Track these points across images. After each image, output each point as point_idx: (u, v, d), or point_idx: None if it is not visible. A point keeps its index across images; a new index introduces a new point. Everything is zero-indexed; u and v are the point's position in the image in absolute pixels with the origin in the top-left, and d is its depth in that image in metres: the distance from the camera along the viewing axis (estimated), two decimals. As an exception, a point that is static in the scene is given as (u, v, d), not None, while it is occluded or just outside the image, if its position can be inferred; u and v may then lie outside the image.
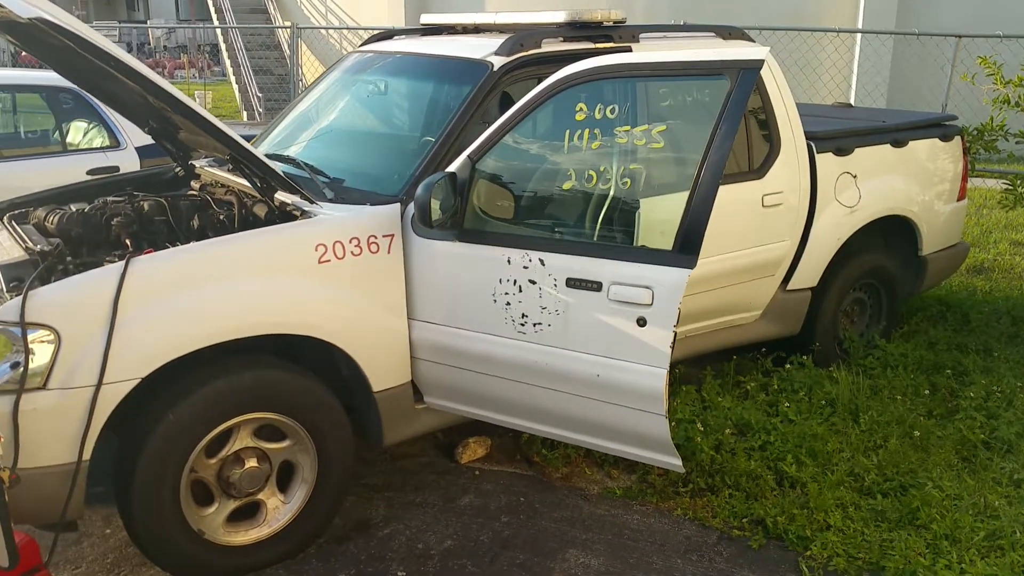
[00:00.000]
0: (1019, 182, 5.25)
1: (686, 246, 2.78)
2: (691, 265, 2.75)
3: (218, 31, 18.82)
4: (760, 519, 3.46)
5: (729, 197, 3.95)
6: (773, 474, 3.71)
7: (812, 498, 3.52)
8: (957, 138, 5.14)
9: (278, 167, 3.44)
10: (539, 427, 3.28)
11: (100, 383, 2.68)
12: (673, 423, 3.96)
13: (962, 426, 4.03)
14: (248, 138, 4.50)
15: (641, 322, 2.85)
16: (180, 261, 2.90)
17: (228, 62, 17.41)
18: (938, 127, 5.14)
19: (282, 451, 3.19)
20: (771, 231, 4.23)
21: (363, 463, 3.87)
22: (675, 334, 2.79)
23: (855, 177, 4.59)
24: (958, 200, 5.24)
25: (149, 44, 30.69)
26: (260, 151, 4.02)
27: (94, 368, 2.67)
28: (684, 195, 2.81)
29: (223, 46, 17.82)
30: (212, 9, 17.81)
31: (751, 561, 3.27)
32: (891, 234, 5.00)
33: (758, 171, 4.17)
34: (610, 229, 3.05)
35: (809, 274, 4.51)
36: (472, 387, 3.32)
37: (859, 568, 3.18)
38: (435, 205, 3.03)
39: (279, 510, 3.23)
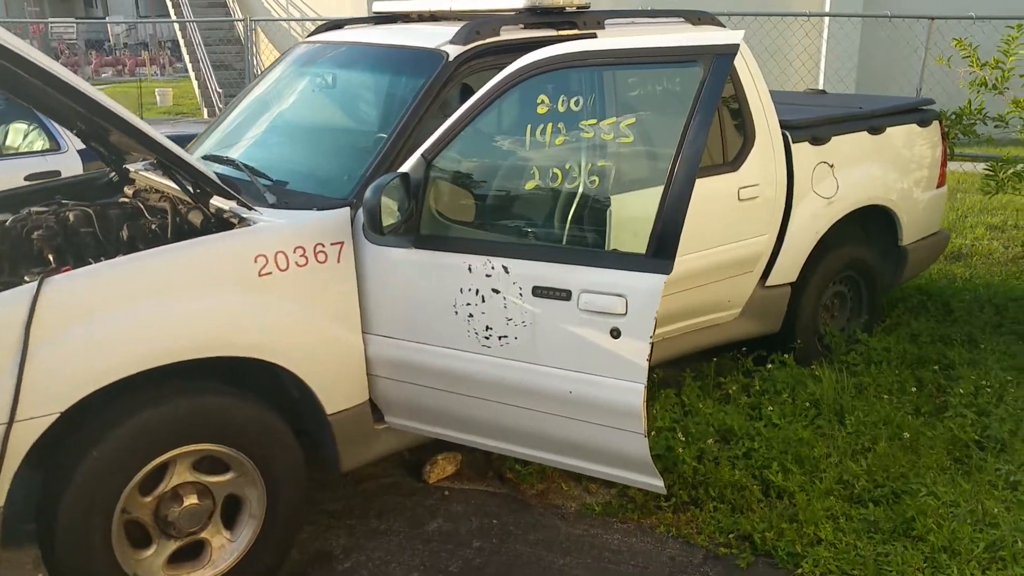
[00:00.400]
0: (1000, 167, 5.08)
1: (661, 249, 2.54)
2: (667, 270, 2.52)
3: (176, 26, 18.32)
4: (747, 534, 3.25)
5: (704, 191, 3.70)
6: (759, 484, 3.50)
7: (801, 509, 3.31)
8: (935, 123, 4.96)
9: (217, 170, 3.17)
10: (509, 447, 3.04)
11: (11, 420, 2.39)
12: (653, 432, 3.73)
13: (952, 425, 3.84)
14: (191, 137, 4.22)
15: (615, 333, 2.61)
16: (102, 279, 2.61)
17: (187, 58, 16.93)
18: (915, 112, 4.95)
19: (226, 484, 2.92)
20: (748, 225, 4.01)
21: (322, 488, 3.61)
22: (652, 346, 2.55)
23: (832, 167, 4.38)
24: (937, 187, 5.06)
25: (109, 42, 30.03)
26: (199, 152, 3.78)
27: (3, 404, 2.38)
28: (657, 193, 2.57)
29: (181, 41, 17.34)
30: (169, 4, 17.32)
31: (739, 582, 3.05)
32: (870, 224, 4.80)
33: (733, 163, 3.95)
34: (579, 232, 2.80)
35: (788, 269, 4.30)
36: (435, 405, 3.07)
37: (854, 586, 2.97)
38: (386, 209, 2.76)
39: (225, 549, 2.96)
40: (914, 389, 4.21)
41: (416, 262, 2.93)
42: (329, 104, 3.77)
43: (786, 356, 4.39)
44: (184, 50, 17.16)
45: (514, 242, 2.87)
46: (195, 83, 16.64)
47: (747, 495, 3.42)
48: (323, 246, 2.95)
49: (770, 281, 4.27)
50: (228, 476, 2.91)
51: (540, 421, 2.85)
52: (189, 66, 16.90)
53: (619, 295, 2.59)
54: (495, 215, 2.98)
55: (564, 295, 2.67)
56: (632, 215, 2.67)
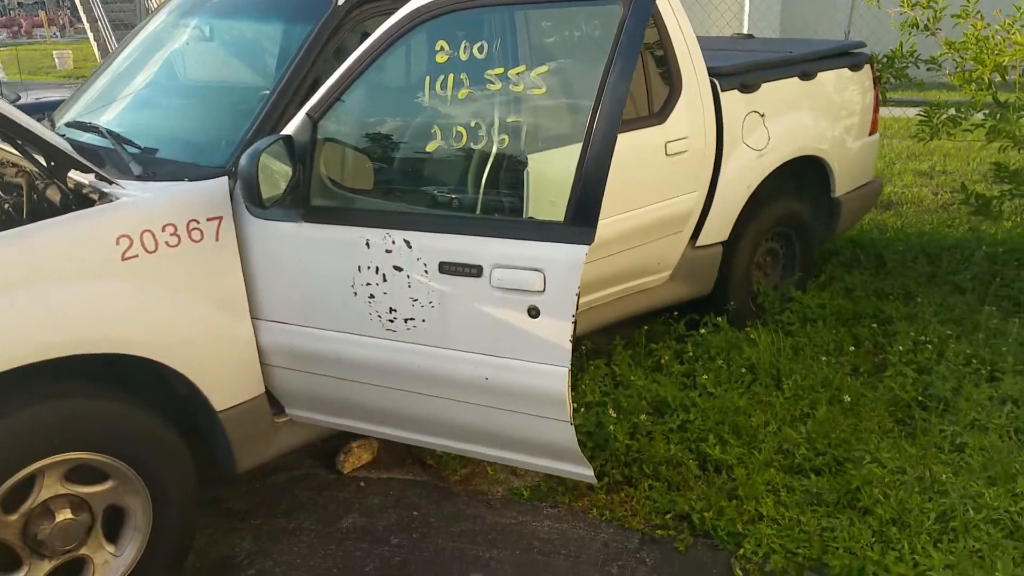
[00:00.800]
0: (934, 111, 4.91)
1: (581, 215, 2.25)
2: (588, 240, 2.23)
3: (71, -16, 17.26)
4: (685, 514, 3.03)
5: (628, 146, 3.45)
6: (695, 458, 3.29)
7: (740, 484, 3.10)
8: (867, 67, 4.75)
9: (82, 138, 2.76)
10: (425, 438, 2.74)
11: None
12: (582, 408, 3.48)
13: (893, 384, 3.68)
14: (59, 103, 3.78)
15: (533, 312, 2.32)
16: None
17: (84, 16, 15.96)
18: (847, 56, 4.72)
19: (104, 495, 2.57)
20: (677, 182, 3.75)
21: (224, 484, 3.28)
22: (575, 324, 2.27)
23: (763, 116, 4.14)
24: (870, 135, 4.87)
25: (2, 1, 28.35)
26: (67, 118, 3.36)
27: None
28: (575, 152, 2.27)
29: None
30: (60, -41, 16.26)
31: (678, 567, 2.83)
32: (801, 176, 4.59)
33: (659, 115, 3.67)
34: (489, 199, 2.50)
35: (719, 227, 4.07)
36: (340, 396, 2.75)
37: (799, 567, 2.78)
38: (267, 179, 2.41)
39: (110, 565, 2.63)
40: (852, 348, 4.04)
41: (307, 238, 2.59)
42: (206, 59, 3.36)
43: (719, 319, 4.17)
44: (81, 8, 16.18)
45: (416, 212, 2.55)
46: (94, 44, 15.74)
47: (683, 471, 3.21)
48: (197, 222, 2.59)
49: (700, 241, 4.03)
50: (107, 486, 2.56)
51: (456, 410, 2.56)
52: (87, 25, 15.95)
53: (536, 269, 2.29)
54: (393, 182, 2.65)
55: (474, 271, 2.36)
56: (547, 178, 2.37)
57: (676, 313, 4.25)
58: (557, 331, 2.30)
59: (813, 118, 4.45)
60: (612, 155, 2.20)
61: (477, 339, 2.42)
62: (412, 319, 2.49)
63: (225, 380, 2.71)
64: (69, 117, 3.34)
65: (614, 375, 3.85)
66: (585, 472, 2.54)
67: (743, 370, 3.79)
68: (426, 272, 2.43)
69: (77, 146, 3.05)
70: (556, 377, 2.33)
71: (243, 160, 2.40)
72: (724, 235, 4.10)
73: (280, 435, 2.94)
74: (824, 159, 4.52)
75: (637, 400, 3.55)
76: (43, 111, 3.74)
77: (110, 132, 2.90)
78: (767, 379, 3.77)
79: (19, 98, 4.80)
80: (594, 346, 4.10)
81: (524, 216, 2.40)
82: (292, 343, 2.71)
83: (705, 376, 3.70)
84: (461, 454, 2.76)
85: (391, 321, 2.53)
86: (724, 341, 4.02)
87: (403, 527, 3.07)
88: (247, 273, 2.69)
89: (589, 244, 2.22)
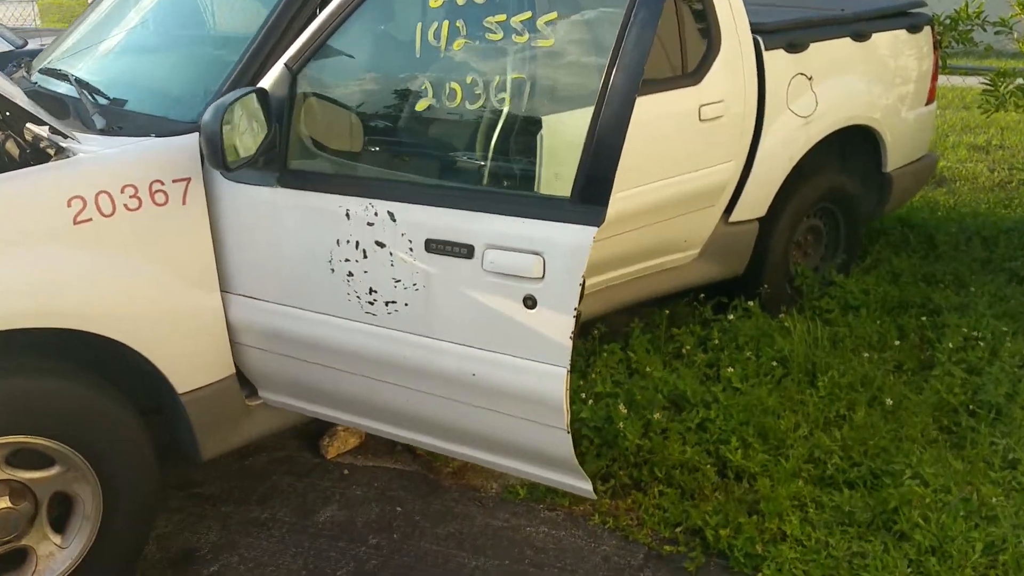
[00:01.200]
0: (1001, 80, 4.44)
1: (590, 192, 1.91)
2: (597, 220, 1.89)
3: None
4: (698, 528, 2.71)
5: (657, 109, 3.09)
6: (714, 463, 2.97)
7: (763, 497, 2.78)
8: (927, 28, 4.30)
9: (54, 87, 2.47)
10: (406, 434, 2.45)
11: None
12: (591, 400, 3.16)
13: (939, 386, 3.31)
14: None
15: (529, 302, 1.99)
16: None
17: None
18: (905, 16, 4.27)
19: (49, 482, 2.32)
20: (711, 151, 3.38)
21: (197, 465, 3.02)
22: (577, 317, 1.94)
23: (810, 79, 3.74)
24: (926, 104, 4.43)
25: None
26: (42, 65, 3.07)
27: None
28: (586, 116, 1.92)
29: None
30: None
31: (687, 591, 2.53)
32: (849, 148, 4.19)
33: (693, 74, 3.29)
34: (485, 169, 2.16)
35: (756, 202, 3.69)
36: (316, 382, 2.47)
37: (824, 598, 2.46)
38: (237, 138, 2.09)
39: (55, 557, 2.38)
40: (897, 342, 3.66)
41: (282, 205, 2.28)
42: (189, 5, 3.02)
43: (750, 303, 3.81)
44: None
45: (401, 181, 2.22)
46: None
47: (700, 478, 2.88)
48: (162, 184, 2.29)
49: (735, 216, 3.66)
50: (52, 472, 2.31)
51: (439, 407, 2.25)
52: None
53: (535, 252, 1.96)
54: (377, 145, 2.32)
55: (464, 251, 2.04)
56: (551, 146, 2.02)
57: (703, 295, 3.90)
58: (556, 325, 1.97)
59: (866, 84, 4.03)
60: (629, 120, 1.85)
61: (465, 329, 2.10)
62: (394, 302, 2.18)
63: (188, 359, 2.42)
64: (44, 64, 3.04)
65: (629, 362, 3.52)
66: (582, 486, 2.23)
67: (774, 363, 3.44)
68: (411, 250, 2.11)
69: (47, 95, 2.77)
70: (553, 378, 2.01)
71: (207, 115, 2.09)
72: (761, 210, 3.73)
73: (253, 420, 2.66)
74: (876, 129, 4.11)
75: (653, 393, 3.22)
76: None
77: (78, 81, 2.60)
78: (800, 374, 3.42)
79: (25, 44, 4.50)
80: (609, 328, 3.77)
81: (534, 190, 2.06)
82: (265, 321, 2.41)
83: (731, 369, 3.35)
84: (444, 454, 2.46)
85: (371, 304, 2.21)
86: (754, 328, 3.66)
87: (384, 525, 2.80)
88: (217, 242, 2.39)
89: (598, 225, 1.88)
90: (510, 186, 2.14)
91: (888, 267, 4.43)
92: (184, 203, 2.33)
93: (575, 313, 1.92)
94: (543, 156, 2.05)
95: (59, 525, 2.38)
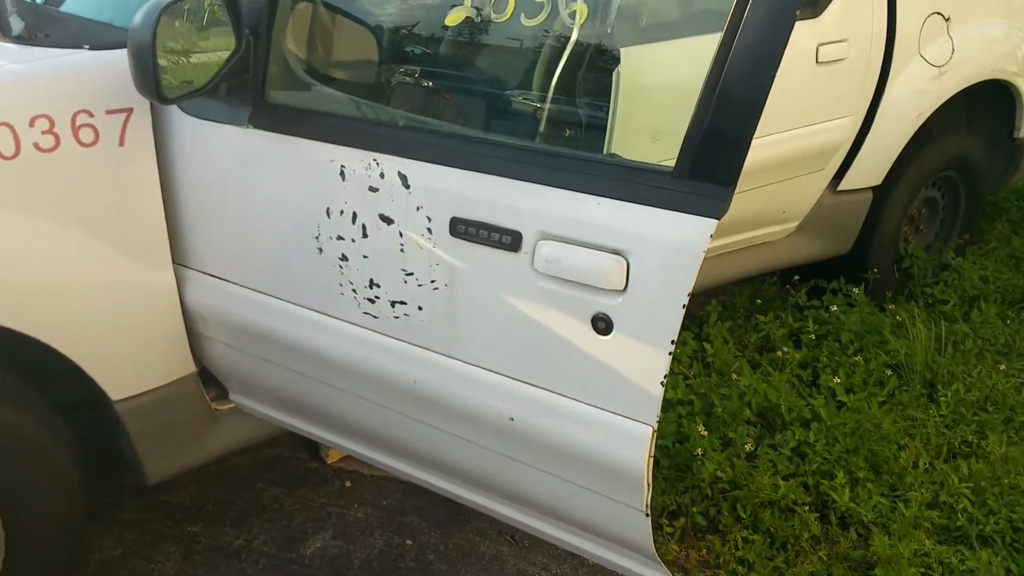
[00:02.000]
0: None
1: (709, 162, 1.22)
2: (718, 208, 1.22)
3: None
4: (792, 594, 2.08)
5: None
6: (813, 501, 2.31)
7: (879, 556, 2.13)
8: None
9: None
10: (419, 475, 1.82)
11: None
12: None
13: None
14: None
15: (601, 324, 1.33)
16: None
17: None
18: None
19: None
20: (826, 102, 2.68)
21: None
22: (672, 355, 1.27)
23: (947, 21, 2.98)
24: (1073, 56, 3.62)
25: None
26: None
27: None
28: (703, 49, 1.22)
29: None
30: None
31: None
32: (975, 106, 3.42)
33: (811, 5, 2.56)
34: (541, 117, 1.47)
35: (873, 167, 2.98)
36: (300, 396, 1.83)
37: None
38: (180, 52, 1.43)
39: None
40: (1034, 348, 2.96)
41: (255, 153, 1.62)
42: None
43: (855, 290, 3.10)
44: None
45: (418, 129, 1.54)
46: None
47: (796, 524, 2.24)
48: (90, 116, 1.65)
49: (845, 184, 2.95)
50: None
51: (461, 451, 1.61)
52: None
53: (615, 251, 1.29)
54: (389, 74, 1.64)
55: (508, 240, 1.37)
56: (647, 98, 1.33)
57: (796, 277, 3.19)
58: (640, 363, 1.31)
59: (1005, 31, 3.25)
60: (781, 56, 1.16)
61: (502, 353, 1.45)
62: (402, 303, 1.53)
63: (127, 357, 1.81)
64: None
65: (705, 355, 2.85)
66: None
67: (887, 371, 2.75)
68: (429, 231, 1.45)
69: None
70: (630, 439, 1.35)
71: (136, 17, 1.42)
72: (877, 178, 3.01)
73: (221, 430, 2.05)
74: (1015, 86, 3.33)
75: (737, 404, 2.56)
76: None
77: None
78: (918, 384, 2.74)
79: None
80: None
81: (616, 156, 1.38)
82: (231, 311, 1.79)
83: (836, 379, 2.67)
84: (472, 507, 1.82)
85: (371, 302, 1.56)
86: (859, 322, 2.97)
87: (389, 566, 2.19)
88: (169, 198, 1.75)
89: (718, 217, 1.21)
90: (580, 147, 1.46)
91: (1007, 250, 3.69)
92: (122, 143, 1.69)
93: (672, 346, 1.25)
94: (632, 105, 1.36)
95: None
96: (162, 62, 1.43)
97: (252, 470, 2.52)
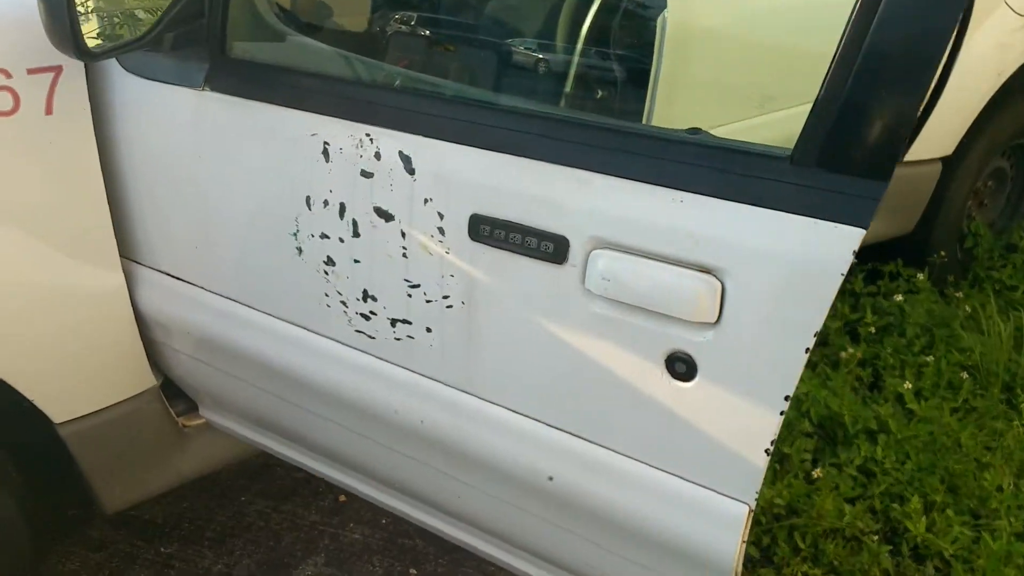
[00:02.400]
0: None
1: (856, 143, 0.86)
2: (866, 215, 0.85)
3: None
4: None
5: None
6: (882, 528, 1.98)
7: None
8: None
9: None
10: (422, 517, 1.47)
11: None
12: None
13: None
14: None
15: (681, 368, 0.97)
16: None
17: None
18: None
19: None
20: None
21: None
22: (783, 414, 0.91)
23: (1037, -38, 2.59)
24: None
25: None
26: None
27: None
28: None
29: None
30: None
31: None
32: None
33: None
34: (587, 78, 1.10)
35: (945, 135, 2.60)
36: (280, 419, 1.49)
37: None
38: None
39: None
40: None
41: (213, 122, 1.26)
42: None
43: (919, 275, 2.74)
44: None
45: (424, 95, 1.17)
46: None
47: (864, 557, 1.91)
48: (8, 76, 1.29)
49: (911, 154, 2.55)
50: None
51: (478, 503, 1.26)
52: None
53: (703, 268, 0.93)
54: (385, 23, 1.26)
55: (549, 248, 1.01)
56: (741, 44, 0.97)
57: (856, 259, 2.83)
58: (737, 421, 0.95)
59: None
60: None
61: (539, 394, 1.09)
62: (406, 323, 1.17)
63: (70, 372, 1.46)
64: None
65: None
66: None
67: (962, 374, 2.40)
68: (441, 231, 1.09)
69: None
70: (717, 519, 1.00)
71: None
72: (949, 147, 2.63)
73: (190, 450, 1.72)
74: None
75: (793, 413, 2.21)
76: None
77: None
78: (996, 389, 2.39)
79: None
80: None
81: (700, 132, 1.00)
82: (191, 318, 1.43)
83: (906, 384, 2.31)
84: (479, 555, 1.48)
85: (364, 318, 1.21)
86: (925, 314, 2.61)
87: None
88: (112, 178, 1.38)
89: (866, 225, 0.85)
90: (647, 119, 1.09)
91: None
92: (49, 111, 1.32)
93: (785, 407, 0.90)
94: (734, 64, 0.99)
95: None
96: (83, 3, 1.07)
97: (235, 480, 2.20)
